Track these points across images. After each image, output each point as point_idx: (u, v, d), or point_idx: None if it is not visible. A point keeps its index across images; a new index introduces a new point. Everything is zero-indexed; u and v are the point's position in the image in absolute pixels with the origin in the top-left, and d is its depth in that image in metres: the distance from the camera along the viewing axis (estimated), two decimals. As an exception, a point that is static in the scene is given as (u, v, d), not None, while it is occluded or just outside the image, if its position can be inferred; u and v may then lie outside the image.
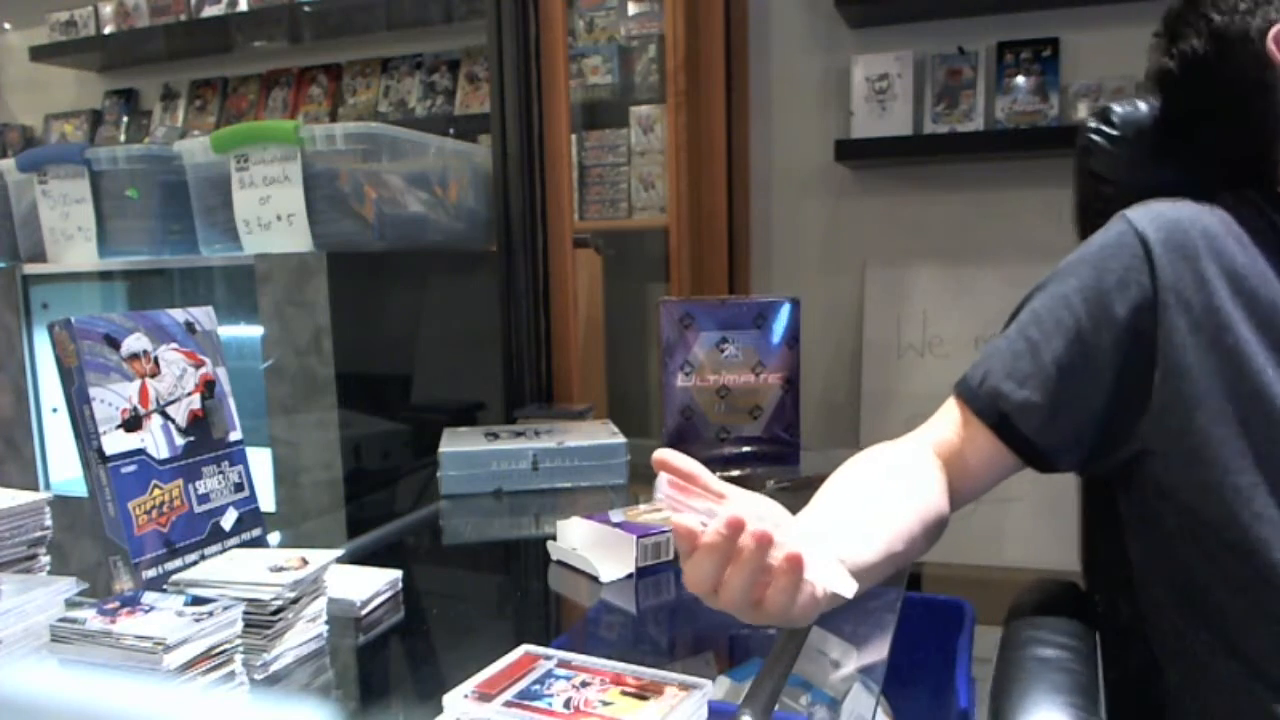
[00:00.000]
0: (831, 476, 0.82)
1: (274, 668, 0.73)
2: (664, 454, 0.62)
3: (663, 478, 0.61)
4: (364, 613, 0.85)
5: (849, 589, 0.63)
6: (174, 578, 0.77)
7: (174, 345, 0.91)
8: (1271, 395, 0.74)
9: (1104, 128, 0.93)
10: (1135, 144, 0.92)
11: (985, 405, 0.83)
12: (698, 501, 0.61)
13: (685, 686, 0.59)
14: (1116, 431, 0.80)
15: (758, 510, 0.67)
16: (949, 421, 0.85)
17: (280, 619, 0.73)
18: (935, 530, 0.81)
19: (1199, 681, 0.79)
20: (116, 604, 0.69)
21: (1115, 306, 0.79)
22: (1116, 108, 0.94)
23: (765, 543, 0.59)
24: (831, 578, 0.62)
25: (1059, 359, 0.80)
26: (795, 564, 0.59)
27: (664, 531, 0.94)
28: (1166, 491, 0.79)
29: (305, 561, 0.78)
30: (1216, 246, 0.78)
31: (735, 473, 1.30)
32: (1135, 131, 0.92)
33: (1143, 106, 0.93)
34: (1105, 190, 0.93)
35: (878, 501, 0.78)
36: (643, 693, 0.58)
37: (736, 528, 0.58)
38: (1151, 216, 0.81)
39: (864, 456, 0.86)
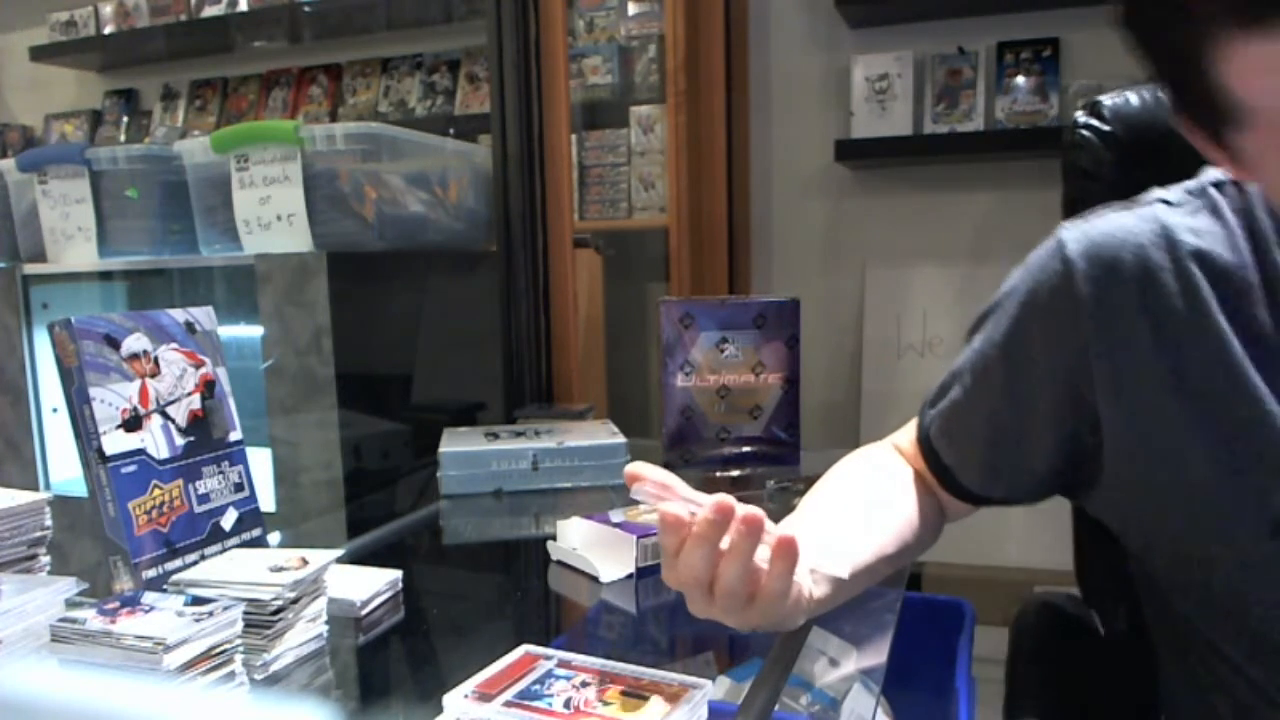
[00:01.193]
0: (820, 481, 0.82)
1: (274, 668, 0.73)
2: (635, 467, 0.60)
3: (637, 490, 0.60)
4: (364, 613, 0.85)
5: (843, 569, 0.63)
6: (174, 578, 0.77)
7: (174, 345, 0.91)
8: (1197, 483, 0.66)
9: (1094, 122, 0.89)
10: (1126, 139, 0.88)
11: (930, 456, 0.81)
12: (683, 495, 0.61)
13: (685, 686, 0.59)
14: (1069, 479, 0.75)
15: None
16: (912, 450, 0.84)
17: (280, 619, 0.73)
18: (927, 534, 0.81)
19: (1198, 690, 0.78)
20: (116, 604, 0.69)
21: (1043, 360, 0.71)
22: (1106, 101, 0.89)
23: (756, 526, 0.58)
24: (824, 561, 0.62)
25: (990, 426, 0.76)
26: (789, 548, 0.58)
27: (664, 531, 0.94)
28: (1122, 520, 0.75)
29: (305, 561, 0.78)
30: (1154, 287, 0.66)
31: (735, 473, 1.30)
32: (1125, 126, 0.88)
33: (1134, 100, 0.88)
34: (1093, 188, 0.88)
35: (869, 504, 0.78)
36: (643, 693, 0.58)
37: (726, 512, 0.57)
38: (1085, 244, 0.69)
39: (851, 459, 0.86)
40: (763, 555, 0.59)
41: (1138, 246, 0.67)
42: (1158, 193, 0.71)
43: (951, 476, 0.80)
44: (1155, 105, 0.88)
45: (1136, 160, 0.87)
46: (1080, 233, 0.70)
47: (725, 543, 0.59)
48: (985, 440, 0.77)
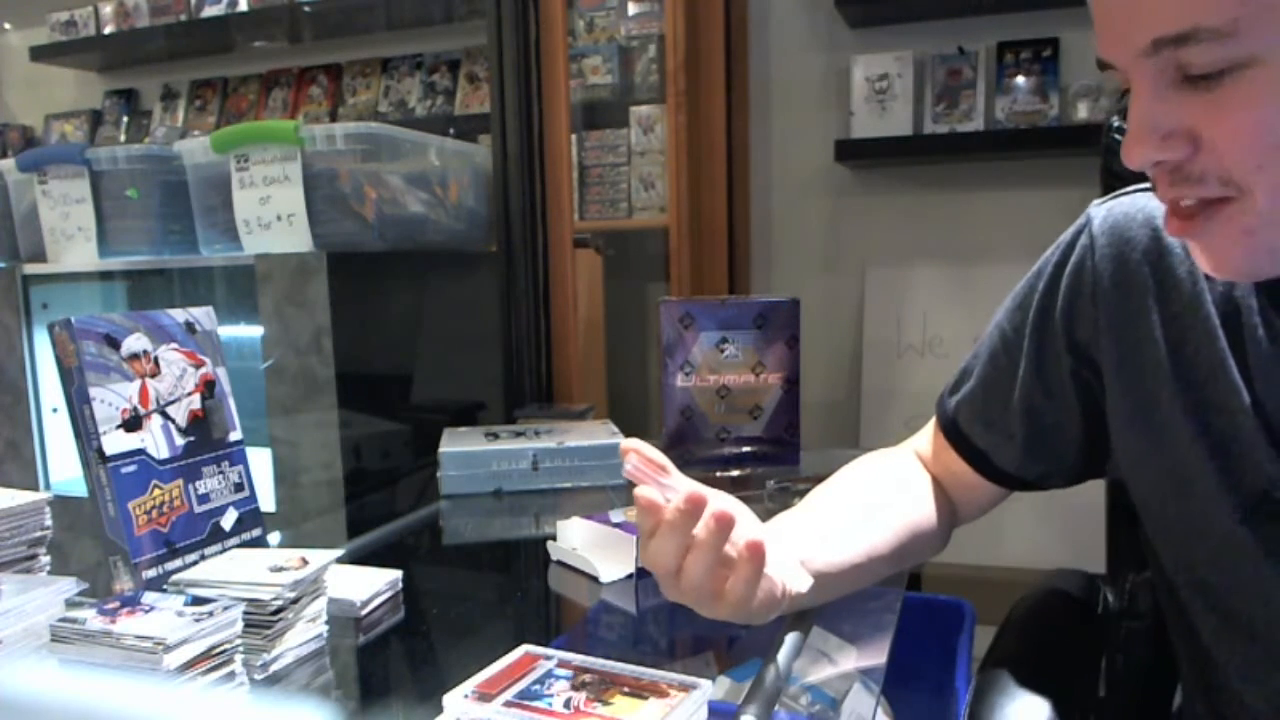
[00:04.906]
0: (824, 482, 0.82)
1: (274, 668, 0.73)
2: (632, 442, 0.62)
3: (631, 461, 0.61)
4: (364, 613, 0.85)
5: (804, 584, 0.63)
6: (174, 578, 0.77)
7: (174, 345, 0.91)
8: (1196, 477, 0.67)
9: (1124, 125, 0.92)
10: None
11: (960, 442, 0.81)
12: (666, 480, 0.61)
13: (685, 686, 0.59)
14: (1101, 450, 0.76)
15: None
16: (934, 446, 0.85)
17: (280, 619, 0.73)
18: (931, 536, 0.81)
19: (1211, 674, 0.78)
20: (116, 604, 0.69)
21: (1064, 335, 0.73)
22: None
23: (726, 524, 0.59)
24: (788, 573, 0.62)
25: (1023, 400, 0.76)
26: (756, 552, 0.59)
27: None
28: (1133, 496, 0.76)
29: (305, 561, 0.78)
30: (1164, 266, 0.68)
31: (735, 473, 1.30)
32: None
33: None
34: (1119, 189, 0.91)
35: (863, 504, 0.78)
36: (643, 693, 0.58)
37: (697, 504, 0.58)
38: (1108, 221, 0.72)
39: (857, 463, 0.86)
40: (738, 543, 0.60)
41: (1154, 228, 0.69)
42: None
43: (986, 460, 0.80)
44: None
45: None
46: (1106, 209, 0.73)
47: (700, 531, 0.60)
48: (1021, 416, 0.77)
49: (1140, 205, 0.71)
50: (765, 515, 0.73)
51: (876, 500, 0.79)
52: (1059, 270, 0.74)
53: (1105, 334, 0.70)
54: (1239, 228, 0.54)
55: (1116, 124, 0.92)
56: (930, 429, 0.86)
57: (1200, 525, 0.68)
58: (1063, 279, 0.73)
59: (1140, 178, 0.81)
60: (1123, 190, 0.74)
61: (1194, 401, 0.66)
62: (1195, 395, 0.66)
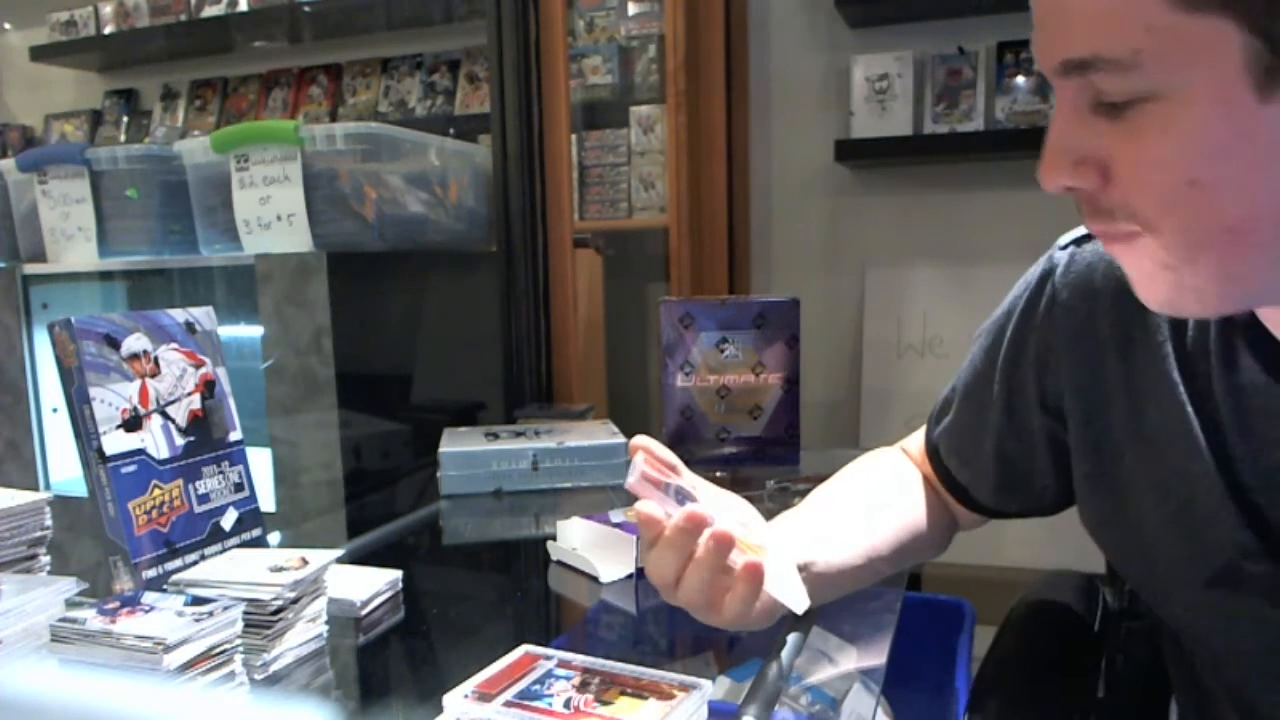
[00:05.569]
0: (826, 481, 0.82)
1: (274, 668, 0.73)
2: (643, 439, 0.62)
3: (638, 460, 0.61)
4: (364, 613, 0.85)
5: (800, 605, 0.63)
6: (174, 578, 0.77)
7: (174, 345, 0.91)
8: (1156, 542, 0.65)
9: None
10: None
11: (943, 474, 0.81)
12: (669, 485, 0.61)
13: (685, 686, 0.59)
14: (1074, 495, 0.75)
15: (733, 511, 0.67)
16: (920, 459, 0.85)
17: (280, 619, 0.73)
18: (933, 536, 0.81)
19: (1198, 684, 0.78)
20: (116, 604, 0.69)
21: (1035, 384, 0.72)
22: None
23: (725, 544, 0.59)
24: (785, 592, 0.62)
25: (995, 445, 0.76)
26: (754, 574, 0.59)
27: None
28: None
29: (305, 561, 0.78)
30: (1127, 326, 0.65)
31: (735, 473, 1.30)
32: None
33: None
34: None
35: (865, 504, 0.78)
36: (643, 693, 0.58)
37: (697, 523, 0.59)
38: (1070, 274, 0.68)
39: (861, 461, 0.86)
40: (737, 562, 0.60)
41: (1117, 281, 0.65)
42: None
43: (966, 494, 0.80)
44: None
45: None
46: (1068, 256, 0.70)
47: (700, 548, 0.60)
48: (993, 459, 0.76)
49: (1102, 254, 0.67)
50: (765, 515, 0.73)
51: (878, 501, 0.79)
52: (1026, 319, 0.72)
53: (1069, 390, 0.68)
54: (1157, 263, 0.52)
55: None
56: (920, 439, 0.86)
57: (1166, 588, 0.67)
58: (1033, 330, 0.71)
59: None
60: (1085, 231, 0.70)
61: (1155, 465, 0.64)
62: (1156, 458, 0.63)
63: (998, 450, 0.76)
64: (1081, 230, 0.70)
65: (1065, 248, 0.71)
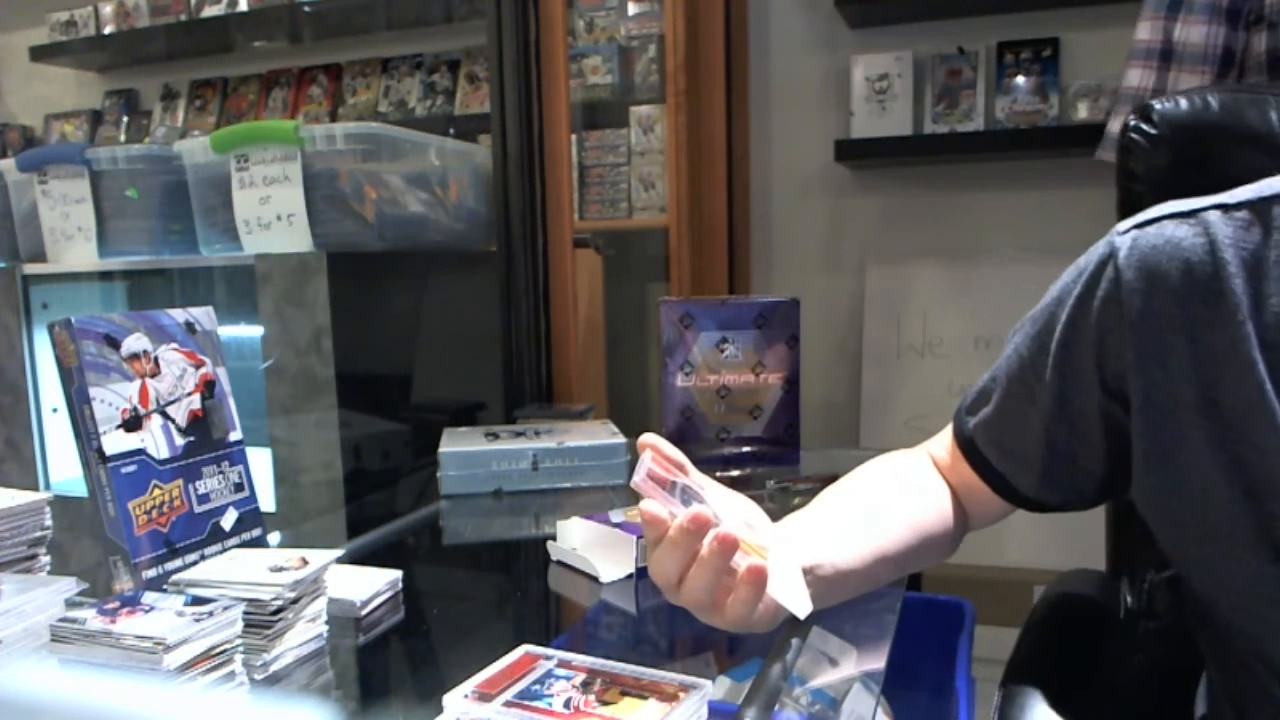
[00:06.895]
0: (837, 481, 0.82)
1: (274, 668, 0.73)
2: (651, 437, 0.62)
3: (646, 458, 0.61)
4: (364, 613, 0.85)
5: (803, 610, 0.63)
6: (174, 578, 0.77)
7: (174, 345, 0.91)
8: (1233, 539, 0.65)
9: (1143, 126, 0.90)
10: (1176, 143, 0.88)
11: (980, 463, 0.80)
12: (676, 485, 0.61)
13: (685, 686, 0.59)
14: (1123, 482, 0.74)
15: (740, 512, 0.67)
16: (951, 458, 0.84)
17: (280, 619, 0.73)
18: (942, 540, 0.80)
19: (1238, 674, 0.78)
20: (116, 604, 0.69)
21: (1095, 369, 0.71)
22: (1157, 105, 0.90)
23: (729, 546, 0.59)
24: (788, 596, 0.62)
25: (1044, 433, 0.75)
26: (758, 577, 0.59)
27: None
28: (1154, 526, 0.75)
29: (305, 561, 0.78)
30: (1195, 304, 0.66)
31: (735, 473, 1.30)
32: (1175, 130, 0.88)
33: (1184, 104, 0.89)
34: (1144, 191, 0.89)
35: (873, 507, 0.78)
36: (643, 693, 0.58)
37: (701, 524, 0.59)
38: (1135, 255, 0.69)
39: (871, 464, 0.85)
40: (741, 565, 0.60)
41: (1184, 262, 0.66)
42: (1217, 198, 0.70)
43: (1005, 482, 0.79)
44: (1204, 110, 0.89)
45: (1186, 164, 0.89)
46: (1131, 240, 0.70)
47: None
48: (1040, 448, 0.76)
49: (1168, 236, 0.68)
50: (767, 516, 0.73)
51: (887, 503, 0.79)
52: (1084, 303, 0.72)
53: (1132, 370, 0.68)
54: None
55: (1134, 123, 0.91)
56: (947, 437, 0.85)
57: (1226, 567, 0.67)
58: (1091, 313, 0.71)
59: (1160, 192, 0.81)
60: (1146, 217, 0.71)
61: (1227, 442, 0.64)
62: (1229, 435, 0.64)
63: (1047, 438, 0.75)
64: (1142, 216, 0.71)
65: (1126, 232, 0.71)
